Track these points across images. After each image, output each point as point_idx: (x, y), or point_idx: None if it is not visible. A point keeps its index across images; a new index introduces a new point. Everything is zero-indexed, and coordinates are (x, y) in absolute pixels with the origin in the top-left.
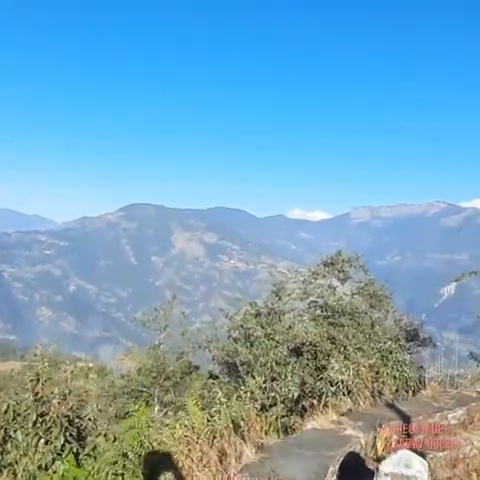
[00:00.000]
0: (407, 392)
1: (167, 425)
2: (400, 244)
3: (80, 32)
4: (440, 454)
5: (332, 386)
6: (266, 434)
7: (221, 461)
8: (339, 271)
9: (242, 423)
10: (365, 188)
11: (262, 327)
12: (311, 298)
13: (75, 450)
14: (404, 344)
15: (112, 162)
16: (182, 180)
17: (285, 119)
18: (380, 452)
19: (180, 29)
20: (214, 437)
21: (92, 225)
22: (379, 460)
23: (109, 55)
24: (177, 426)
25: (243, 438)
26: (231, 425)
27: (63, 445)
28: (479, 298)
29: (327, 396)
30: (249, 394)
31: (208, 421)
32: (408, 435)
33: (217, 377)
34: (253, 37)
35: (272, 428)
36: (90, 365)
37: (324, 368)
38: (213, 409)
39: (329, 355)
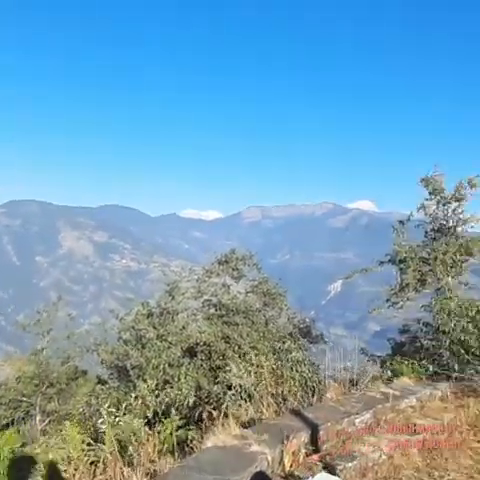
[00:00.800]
0: (312, 396)
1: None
2: (290, 243)
3: None
4: (349, 464)
5: (230, 390)
6: (160, 455)
7: None
8: (233, 269)
9: (131, 448)
10: (257, 188)
11: (154, 328)
12: (205, 297)
13: None
14: (303, 343)
15: None
16: (71, 178)
17: (177, 117)
18: (288, 468)
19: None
20: (96, 467)
21: None
22: (287, 477)
23: None
24: (50, 455)
25: (132, 464)
26: (117, 448)
27: None
28: (364, 295)
29: (226, 403)
30: (140, 401)
31: (89, 445)
32: (317, 446)
33: (106, 382)
34: None
35: (167, 446)
36: None
37: (219, 368)
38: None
39: (224, 355)
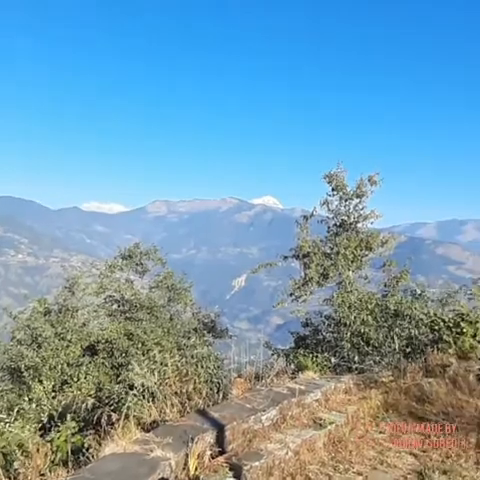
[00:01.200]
0: (218, 393)
1: None
2: (195, 238)
3: None
4: (256, 463)
5: (133, 389)
6: (51, 467)
7: None
8: (137, 264)
9: (16, 463)
10: (163, 183)
11: (52, 326)
12: (107, 293)
13: None
14: (209, 338)
15: None
16: None
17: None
18: (192, 472)
19: None
20: None
21: None
22: None
23: None
24: None
25: None
26: (1, 463)
27: None
28: (267, 289)
29: (128, 404)
30: (35, 404)
31: None
32: (223, 446)
33: None
34: None
35: (60, 455)
36: None
37: (121, 366)
38: None
39: (126, 352)
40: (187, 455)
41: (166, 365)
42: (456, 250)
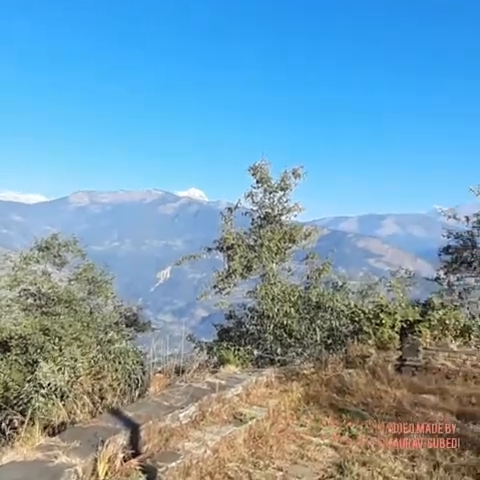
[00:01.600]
0: (135, 390)
1: None
2: (119, 230)
3: None
4: (172, 464)
5: (43, 388)
6: None
7: None
8: (55, 256)
9: None
10: (85, 173)
11: None
12: (22, 286)
13: None
14: (127, 333)
15: None
16: None
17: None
18: (102, 478)
19: None
20: None
21: None
22: None
23: None
24: None
25: None
26: None
27: None
28: (192, 282)
29: (36, 404)
30: None
31: None
32: (137, 448)
33: None
34: None
35: None
36: None
37: (36, 362)
38: None
39: (42, 348)
40: (96, 460)
41: (81, 361)
42: (376, 243)
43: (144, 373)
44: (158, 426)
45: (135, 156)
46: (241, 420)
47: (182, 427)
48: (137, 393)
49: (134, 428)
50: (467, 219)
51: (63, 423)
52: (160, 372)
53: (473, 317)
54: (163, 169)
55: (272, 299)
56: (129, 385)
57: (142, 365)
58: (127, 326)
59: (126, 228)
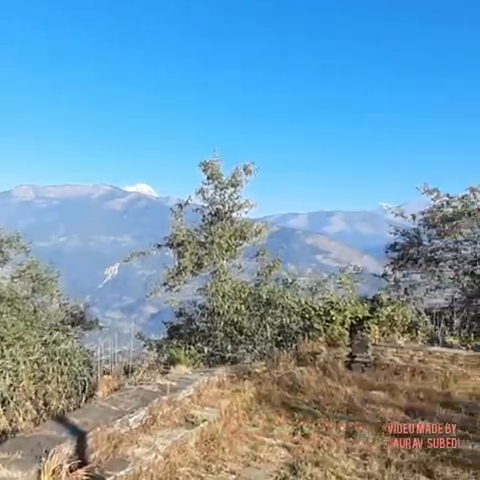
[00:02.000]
0: (81, 395)
1: None
2: (66, 225)
3: None
4: (121, 473)
5: None
6: None
7: None
8: None
9: None
10: (29, 166)
11: None
12: None
13: None
14: (73, 332)
15: None
16: None
17: None
18: None
19: None
20: None
21: None
22: None
23: None
24: None
25: None
26: None
27: None
28: (141, 278)
29: None
30: None
31: None
32: (84, 457)
33: None
34: None
35: None
36: None
37: None
38: None
39: None
40: (40, 472)
41: (24, 364)
42: (323, 240)
43: (92, 374)
44: (106, 432)
45: (80, 150)
46: (193, 423)
47: (132, 432)
48: (84, 397)
49: (81, 436)
50: (413, 217)
51: (4, 432)
52: (108, 373)
53: (419, 313)
54: (110, 164)
55: (223, 296)
56: (76, 387)
57: (90, 366)
58: (74, 324)
59: (73, 223)
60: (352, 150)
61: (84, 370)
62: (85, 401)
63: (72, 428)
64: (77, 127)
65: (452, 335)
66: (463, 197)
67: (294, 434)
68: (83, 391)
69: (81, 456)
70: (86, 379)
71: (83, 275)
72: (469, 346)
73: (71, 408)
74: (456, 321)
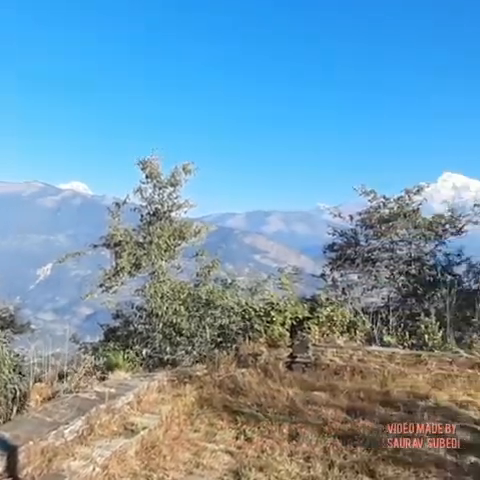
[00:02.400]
0: (11, 405)
1: None
2: None
3: None
4: None
5: None
6: None
7: None
8: None
9: None
10: None
11: None
12: None
13: None
14: (2, 338)
15: None
16: None
17: None
18: None
19: None
20: None
21: None
22: None
23: None
24: None
25: None
26: None
27: None
28: (75, 279)
29: None
30: None
31: None
32: (15, 473)
33: None
34: None
35: None
36: None
37: None
38: None
39: None
40: None
41: None
42: (261, 240)
43: (23, 381)
44: (40, 446)
45: (10, 146)
46: (132, 431)
47: (67, 444)
48: (15, 408)
49: (11, 451)
50: (351, 217)
51: None
52: (40, 380)
53: (357, 313)
54: (42, 161)
55: (161, 297)
56: (5, 396)
57: (20, 373)
58: (3, 328)
59: (2, 222)
60: (290, 151)
61: (14, 377)
62: (16, 412)
63: (2, 443)
64: (6, 123)
65: (389, 334)
66: (399, 199)
67: (237, 438)
68: (13, 400)
69: (12, 473)
70: (16, 387)
71: (13, 276)
72: (405, 344)
73: (1, 421)
74: (392, 320)
